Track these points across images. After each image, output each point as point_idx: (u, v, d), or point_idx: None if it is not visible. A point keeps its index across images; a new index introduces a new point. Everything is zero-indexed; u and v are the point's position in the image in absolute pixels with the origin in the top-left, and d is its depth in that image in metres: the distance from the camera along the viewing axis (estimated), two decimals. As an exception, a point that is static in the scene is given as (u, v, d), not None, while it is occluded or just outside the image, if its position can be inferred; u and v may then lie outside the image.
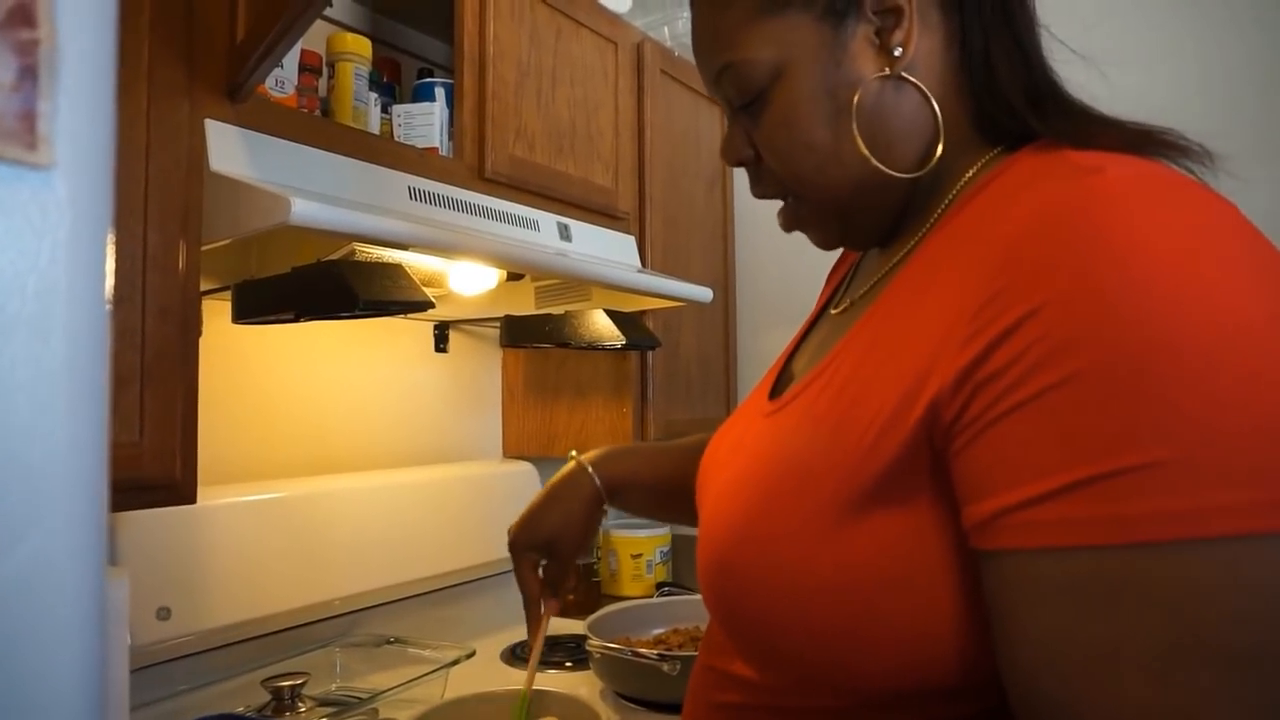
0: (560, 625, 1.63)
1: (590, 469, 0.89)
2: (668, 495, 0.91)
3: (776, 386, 0.66)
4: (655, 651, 1.17)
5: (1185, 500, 0.38)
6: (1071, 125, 0.53)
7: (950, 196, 0.57)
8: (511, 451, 1.88)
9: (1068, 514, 0.40)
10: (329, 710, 1.16)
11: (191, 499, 0.93)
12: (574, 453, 0.92)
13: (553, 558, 0.90)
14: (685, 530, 2.02)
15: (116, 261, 0.85)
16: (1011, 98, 0.55)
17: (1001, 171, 0.53)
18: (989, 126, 0.57)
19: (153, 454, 0.89)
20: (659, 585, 1.96)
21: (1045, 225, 0.44)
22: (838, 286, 0.74)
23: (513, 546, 0.89)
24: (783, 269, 2.00)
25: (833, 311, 0.68)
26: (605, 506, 0.91)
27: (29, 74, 0.30)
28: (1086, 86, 0.57)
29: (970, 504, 0.45)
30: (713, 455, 0.70)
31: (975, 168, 0.56)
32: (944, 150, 0.57)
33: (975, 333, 0.44)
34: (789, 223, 0.65)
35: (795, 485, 0.52)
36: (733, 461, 0.63)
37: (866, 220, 0.61)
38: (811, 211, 0.62)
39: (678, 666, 1.14)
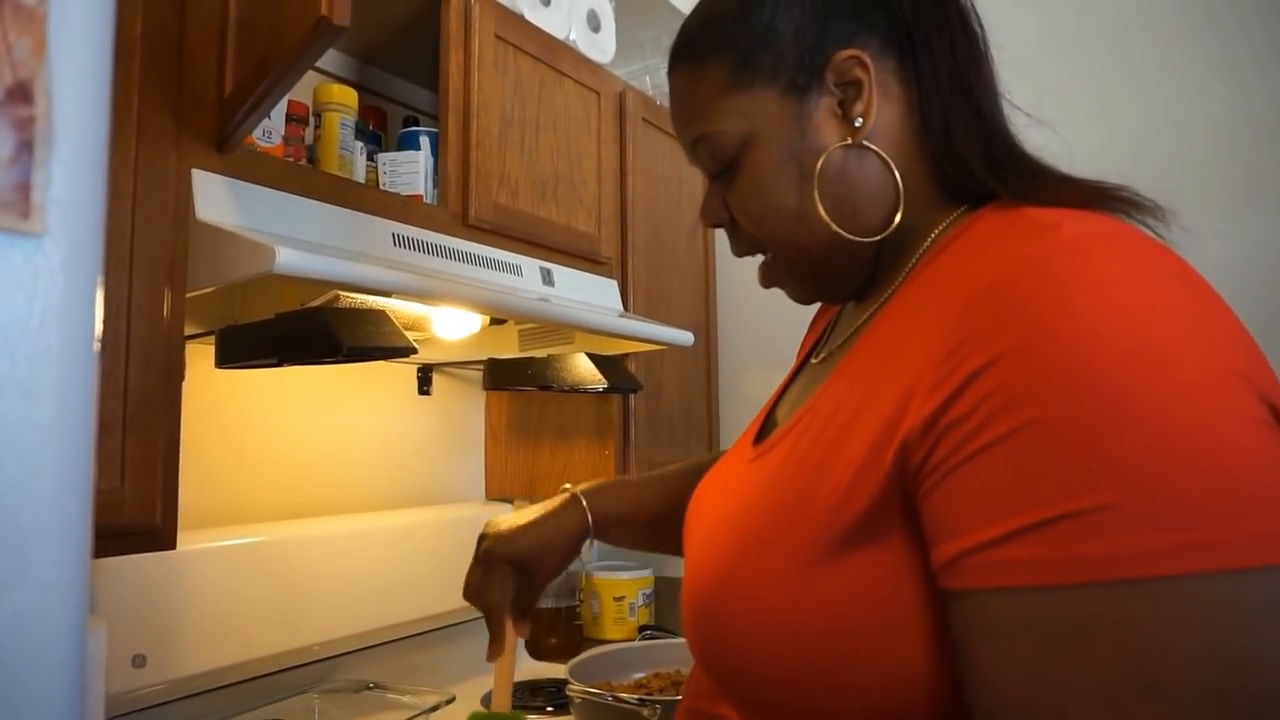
0: (541, 669, 1.63)
1: (584, 500, 0.87)
2: (654, 529, 0.89)
3: (760, 434, 0.68)
4: (636, 696, 1.17)
5: (1135, 541, 0.39)
6: (1030, 184, 0.56)
7: (919, 253, 0.59)
8: (494, 494, 1.88)
9: (1025, 555, 0.42)
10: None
11: (171, 545, 0.93)
12: (568, 485, 0.89)
13: (523, 576, 0.85)
14: (669, 573, 2.02)
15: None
16: (970, 161, 0.58)
17: (966, 228, 0.56)
18: (952, 188, 0.60)
19: (133, 500, 0.89)
20: (641, 628, 1.95)
21: (1005, 278, 0.46)
22: (819, 337, 0.76)
23: (487, 553, 0.85)
24: (764, 313, 2.03)
25: (813, 361, 0.71)
26: (590, 541, 0.88)
27: (25, 148, 0.31)
28: (1047, 148, 0.60)
29: (937, 545, 0.46)
30: (699, 501, 0.71)
31: (942, 225, 0.59)
32: (910, 211, 0.60)
33: (940, 381, 0.46)
34: (766, 279, 0.68)
35: (775, 532, 0.54)
36: (716, 508, 0.65)
37: (837, 277, 0.64)
38: (786, 269, 0.65)
39: (658, 711, 1.14)
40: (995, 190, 0.57)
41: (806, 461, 0.55)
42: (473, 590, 0.86)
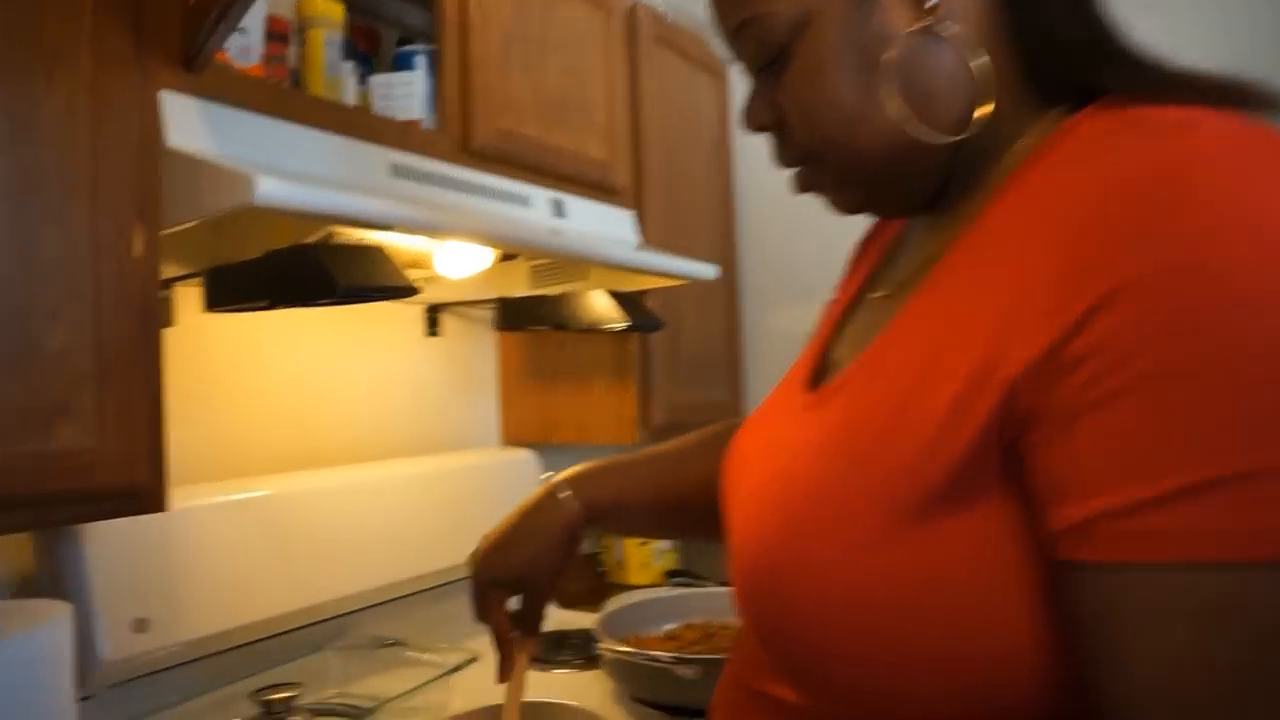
0: (569, 619, 1.57)
1: (566, 493, 0.79)
2: (663, 514, 0.82)
3: (815, 377, 0.59)
4: (671, 654, 1.10)
5: None
6: (1144, 78, 0.47)
7: (1007, 164, 0.50)
8: (510, 439, 1.82)
9: (1192, 524, 0.34)
10: (323, 722, 1.10)
11: (160, 506, 0.85)
12: (548, 474, 0.82)
13: (523, 594, 0.80)
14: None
15: (60, 252, 0.77)
16: (1071, 49, 0.48)
17: (1067, 132, 0.46)
18: (1044, 84, 0.50)
19: (115, 459, 0.81)
20: (668, 573, 1.90)
21: (1135, 187, 0.38)
22: (873, 268, 0.66)
23: (476, 579, 0.79)
24: (790, 243, 1.93)
25: (874, 295, 0.61)
26: (585, 533, 0.80)
27: None
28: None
29: (1057, 505, 0.39)
30: (741, 453, 0.63)
31: (1035, 129, 0.50)
32: (994, 111, 0.50)
33: (1057, 307, 0.38)
34: (805, 185, 0.58)
35: (844, 491, 0.46)
36: (768, 462, 0.56)
37: (895, 187, 0.55)
38: (833, 176, 0.56)
39: (694, 670, 1.07)
40: (1100, 85, 0.47)
41: (879, 409, 0.47)
42: (476, 614, 0.81)
